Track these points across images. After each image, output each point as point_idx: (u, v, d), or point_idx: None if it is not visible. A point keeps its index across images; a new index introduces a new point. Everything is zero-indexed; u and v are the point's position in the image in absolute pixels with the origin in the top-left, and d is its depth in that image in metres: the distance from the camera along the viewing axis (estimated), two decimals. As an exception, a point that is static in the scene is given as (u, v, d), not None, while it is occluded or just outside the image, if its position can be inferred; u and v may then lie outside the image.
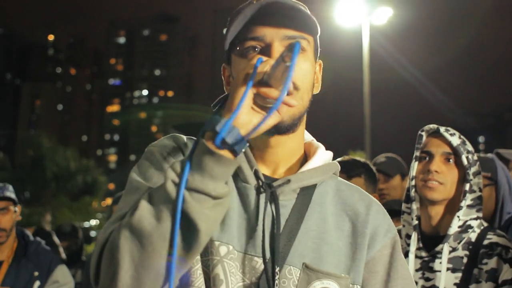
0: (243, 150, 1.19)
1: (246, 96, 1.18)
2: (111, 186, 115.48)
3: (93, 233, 53.99)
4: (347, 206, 1.47)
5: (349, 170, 2.93)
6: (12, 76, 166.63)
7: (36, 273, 3.55)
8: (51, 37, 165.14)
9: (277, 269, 1.30)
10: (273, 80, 1.20)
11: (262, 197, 1.36)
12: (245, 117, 1.18)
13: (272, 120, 1.21)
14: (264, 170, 1.42)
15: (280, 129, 1.35)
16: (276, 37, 1.36)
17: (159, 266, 1.14)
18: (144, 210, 1.16)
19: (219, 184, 1.17)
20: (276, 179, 1.40)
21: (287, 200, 1.39)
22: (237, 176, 1.39)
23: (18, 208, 3.64)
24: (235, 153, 1.18)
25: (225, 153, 1.16)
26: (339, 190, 1.49)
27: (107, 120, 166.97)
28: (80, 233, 6.22)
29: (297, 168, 1.44)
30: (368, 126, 19.06)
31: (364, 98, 19.28)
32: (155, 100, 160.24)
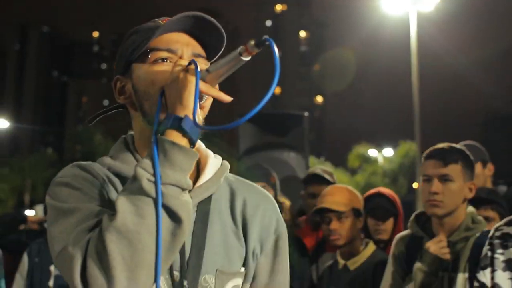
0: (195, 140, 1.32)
1: (198, 91, 1.30)
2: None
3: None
4: (241, 206, 1.56)
5: (445, 157, 2.80)
6: (59, 74, 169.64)
7: None
8: (95, 34, 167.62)
9: (186, 282, 1.40)
10: (214, 80, 1.35)
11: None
12: (198, 113, 1.31)
13: (201, 113, 1.39)
14: None
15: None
16: (186, 52, 1.47)
17: (151, 261, 1.20)
18: (125, 211, 1.20)
19: (187, 177, 1.28)
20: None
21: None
22: None
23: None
24: (193, 145, 1.31)
25: (187, 144, 1.30)
26: (232, 191, 1.58)
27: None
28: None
29: (193, 178, 1.50)
30: (417, 116, 18.77)
31: (412, 87, 19.01)
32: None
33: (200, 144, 1.59)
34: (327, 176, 4.35)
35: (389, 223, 3.81)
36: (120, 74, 1.55)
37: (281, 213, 3.56)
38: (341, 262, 3.45)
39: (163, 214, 1.22)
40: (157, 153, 1.27)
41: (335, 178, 4.44)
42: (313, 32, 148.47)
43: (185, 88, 1.32)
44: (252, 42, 1.30)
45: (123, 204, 1.22)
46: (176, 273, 1.42)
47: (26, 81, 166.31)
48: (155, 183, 1.23)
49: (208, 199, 1.51)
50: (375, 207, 3.81)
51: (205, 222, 1.49)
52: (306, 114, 5.42)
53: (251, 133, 5.34)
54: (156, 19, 1.56)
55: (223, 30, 1.49)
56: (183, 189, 1.27)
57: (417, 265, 2.70)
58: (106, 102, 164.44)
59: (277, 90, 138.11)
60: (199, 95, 1.34)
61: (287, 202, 3.77)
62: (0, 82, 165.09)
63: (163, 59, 1.46)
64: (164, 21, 1.50)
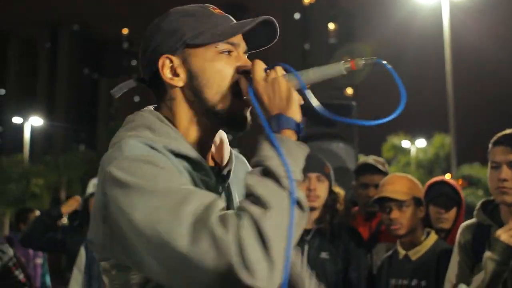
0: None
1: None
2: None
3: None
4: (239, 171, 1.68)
5: None
6: (90, 72, 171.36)
7: None
8: (125, 31, 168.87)
9: None
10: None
11: (220, 187, 1.56)
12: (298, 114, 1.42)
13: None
14: (212, 162, 1.61)
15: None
16: (242, 49, 1.56)
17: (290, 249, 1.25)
18: (275, 198, 1.26)
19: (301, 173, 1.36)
20: (216, 167, 1.60)
21: (232, 184, 1.63)
22: (199, 171, 1.49)
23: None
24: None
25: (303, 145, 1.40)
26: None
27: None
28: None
29: (221, 148, 1.66)
30: (451, 107, 18.56)
31: (446, 77, 18.79)
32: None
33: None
34: (379, 166, 4.29)
35: (452, 212, 3.74)
36: (169, 52, 1.53)
37: (336, 203, 3.51)
38: (402, 252, 3.39)
39: (295, 207, 1.28)
40: (279, 148, 1.33)
41: (387, 168, 4.37)
42: (342, 24, 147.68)
43: (289, 92, 1.41)
44: (362, 61, 1.40)
45: (271, 198, 1.26)
46: None
47: (58, 79, 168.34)
48: (289, 180, 1.29)
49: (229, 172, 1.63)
50: (439, 195, 3.74)
51: (240, 189, 1.59)
52: (354, 103, 5.37)
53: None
54: (202, 5, 1.59)
55: (277, 34, 1.59)
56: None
57: (487, 254, 2.63)
58: (137, 99, 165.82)
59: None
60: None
61: (341, 192, 3.72)
62: (32, 81, 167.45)
63: (228, 52, 1.52)
64: (216, 10, 1.56)
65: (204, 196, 1.30)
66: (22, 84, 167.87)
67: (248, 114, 1.54)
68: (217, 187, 1.54)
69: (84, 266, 3.64)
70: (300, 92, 1.44)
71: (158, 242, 1.25)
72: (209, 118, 1.54)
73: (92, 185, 5.09)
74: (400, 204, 3.31)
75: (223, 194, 1.58)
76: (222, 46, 1.51)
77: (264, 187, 1.28)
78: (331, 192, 3.64)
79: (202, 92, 1.50)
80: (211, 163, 1.62)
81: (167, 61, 1.53)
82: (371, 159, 4.38)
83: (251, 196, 1.28)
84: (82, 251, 3.69)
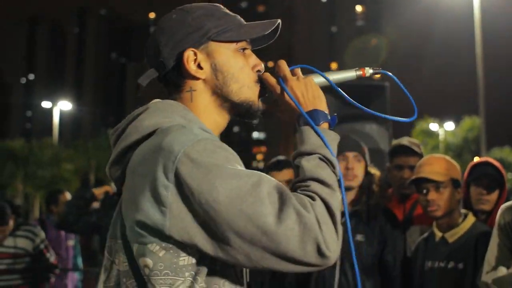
0: None
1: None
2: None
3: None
4: None
5: None
6: (117, 56, 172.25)
7: None
8: (152, 15, 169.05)
9: None
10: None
11: None
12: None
13: None
14: None
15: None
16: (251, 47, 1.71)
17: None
18: (333, 185, 1.48)
19: None
20: None
21: None
22: None
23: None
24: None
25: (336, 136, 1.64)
26: None
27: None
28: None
29: None
30: (482, 90, 18.30)
31: (477, 60, 18.53)
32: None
33: None
34: (414, 147, 4.22)
35: (495, 194, 3.65)
36: (194, 46, 1.62)
37: (371, 184, 3.47)
38: (438, 234, 3.34)
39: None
40: (326, 139, 1.57)
41: (422, 149, 4.30)
42: (370, 6, 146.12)
43: (319, 90, 1.67)
44: (371, 71, 1.75)
45: (333, 181, 1.50)
46: None
47: (86, 64, 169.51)
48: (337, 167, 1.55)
49: None
50: (482, 176, 3.65)
51: None
52: (387, 84, 5.29)
53: (332, 105, 5.25)
54: (215, 4, 1.70)
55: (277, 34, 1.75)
56: None
57: None
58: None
59: (334, 65, 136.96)
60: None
61: (377, 173, 3.67)
62: (61, 66, 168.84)
63: (243, 49, 1.66)
64: (227, 11, 1.68)
65: (269, 179, 1.43)
66: (50, 69, 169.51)
67: (261, 105, 1.70)
68: None
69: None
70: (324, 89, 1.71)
71: (243, 221, 1.35)
72: (228, 108, 1.67)
73: None
74: (437, 185, 3.26)
75: None
76: (241, 44, 1.65)
77: (326, 172, 1.50)
78: (367, 173, 3.60)
79: (227, 85, 1.62)
80: None
81: (192, 54, 1.62)
82: (405, 140, 4.31)
83: (316, 179, 1.48)
84: None
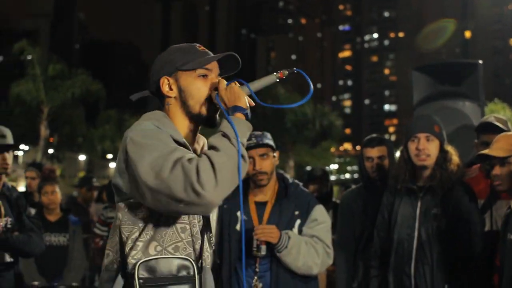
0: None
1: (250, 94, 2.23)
2: (348, 130, 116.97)
3: (333, 177, 55.34)
4: None
5: None
6: (247, 32, 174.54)
7: (297, 212, 3.81)
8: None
9: None
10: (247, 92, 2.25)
11: None
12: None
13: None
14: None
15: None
16: (215, 74, 2.33)
17: (234, 179, 1.98)
18: (227, 149, 1.99)
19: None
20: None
21: None
22: None
23: (276, 154, 3.92)
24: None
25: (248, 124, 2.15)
26: None
27: (340, 66, 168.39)
28: (329, 177, 6.51)
29: (201, 147, 2.43)
30: None
31: None
32: (386, 42, 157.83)
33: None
34: (499, 125, 4.29)
35: None
36: (167, 75, 2.31)
37: (446, 161, 3.64)
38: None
39: (241, 160, 2.01)
40: (233, 124, 2.08)
41: (509, 126, 4.36)
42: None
43: (240, 94, 2.19)
44: (286, 72, 2.26)
45: (226, 145, 2.01)
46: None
47: (217, 40, 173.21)
48: (237, 141, 2.04)
49: None
50: None
51: None
52: (480, 62, 5.32)
53: (425, 84, 5.36)
54: (192, 43, 2.37)
55: (239, 63, 2.38)
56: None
57: None
58: (294, 57, 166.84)
59: (467, 34, 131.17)
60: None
61: (452, 151, 3.84)
62: (193, 43, 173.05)
63: (204, 75, 2.29)
64: (201, 48, 2.34)
65: (185, 151, 2.05)
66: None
67: (217, 116, 2.31)
68: None
69: (217, 217, 4.04)
70: (251, 96, 2.27)
71: (153, 176, 1.94)
72: (191, 117, 2.31)
73: None
74: (501, 160, 3.40)
75: None
76: (200, 71, 2.29)
77: (219, 141, 2.02)
78: (442, 151, 3.79)
79: (187, 101, 2.29)
80: (197, 149, 2.37)
81: (166, 80, 2.32)
82: (492, 118, 4.39)
83: (210, 146, 2.02)
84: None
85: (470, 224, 3.66)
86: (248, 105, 2.22)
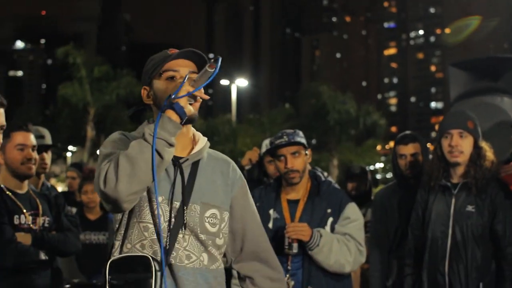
0: (184, 120, 2.23)
1: (183, 87, 2.22)
2: (393, 129, 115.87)
3: (378, 176, 54.86)
4: (217, 167, 2.52)
5: None
6: (291, 30, 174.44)
7: (329, 210, 3.80)
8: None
9: (184, 207, 2.34)
10: (200, 84, 2.24)
11: (176, 169, 2.39)
12: (184, 103, 2.22)
13: (193, 109, 2.30)
14: (176, 152, 2.34)
15: (192, 119, 2.34)
16: (185, 71, 2.34)
17: (141, 176, 2.14)
18: (134, 147, 2.17)
19: (172, 137, 2.19)
20: (181, 157, 2.42)
21: (187, 169, 2.42)
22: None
23: (308, 152, 3.92)
24: (181, 121, 2.22)
25: (176, 119, 2.21)
26: (210, 157, 2.53)
27: (385, 63, 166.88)
28: (369, 175, 6.43)
29: (190, 149, 2.47)
30: None
31: None
32: (432, 39, 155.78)
33: (194, 131, 2.51)
34: (539, 121, 4.22)
35: None
36: (146, 85, 2.46)
37: (481, 157, 3.59)
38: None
39: (155, 154, 2.16)
40: (158, 121, 2.20)
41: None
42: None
43: (176, 86, 2.27)
44: (212, 60, 2.22)
45: (133, 144, 2.18)
46: (176, 203, 2.35)
47: (261, 41, 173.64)
48: (153, 136, 2.17)
49: (197, 161, 2.45)
50: None
51: (195, 174, 2.43)
52: None
53: (463, 80, 5.27)
54: (166, 50, 2.45)
55: (204, 57, 2.37)
56: (169, 144, 2.19)
57: None
58: (338, 55, 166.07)
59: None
60: (192, 96, 2.26)
61: (486, 147, 3.78)
62: (237, 43, 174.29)
63: (171, 77, 2.37)
64: (172, 51, 2.40)
65: (114, 152, 2.27)
66: (228, 47, 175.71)
67: (192, 110, 2.29)
68: (170, 167, 2.38)
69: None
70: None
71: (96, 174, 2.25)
72: None
73: (264, 145, 5.49)
74: None
75: (174, 173, 2.39)
76: (166, 74, 2.39)
77: (135, 142, 2.20)
78: (476, 147, 3.73)
79: (160, 104, 2.35)
80: (179, 152, 2.42)
81: (144, 90, 2.49)
82: (529, 113, 4.32)
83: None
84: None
85: (505, 221, 3.62)
86: (185, 101, 2.25)
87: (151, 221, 2.32)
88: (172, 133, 2.20)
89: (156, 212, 2.31)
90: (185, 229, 2.34)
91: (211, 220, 2.42)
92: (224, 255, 2.56)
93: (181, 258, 2.32)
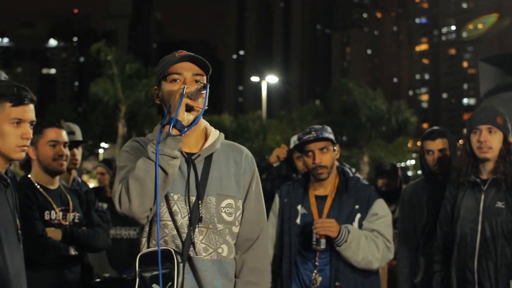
0: (185, 132, 2.33)
1: (181, 105, 2.32)
2: (425, 125, 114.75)
3: (409, 173, 54.38)
4: (231, 157, 2.63)
5: None
6: (322, 27, 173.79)
7: (357, 206, 3.79)
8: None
9: (199, 201, 2.48)
10: (195, 98, 2.37)
11: (189, 166, 2.52)
12: (183, 115, 2.34)
13: (192, 116, 2.38)
14: (186, 149, 2.54)
15: (195, 120, 2.42)
16: (188, 74, 2.50)
17: (151, 194, 2.33)
18: (140, 168, 2.33)
19: (174, 151, 2.33)
20: (193, 154, 2.54)
21: (200, 164, 2.54)
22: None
23: (336, 148, 3.91)
24: (180, 134, 2.33)
25: (176, 133, 2.32)
26: (224, 148, 2.63)
27: (417, 60, 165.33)
28: (399, 171, 6.39)
29: (202, 144, 2.59)
30: None
31: None
32: (464, 34, 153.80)
33: (206, 123, 2.64)
34: None
35: None
36: (156, 85, 2.59)
37: (510, 153, 3.56)
38: None
39: (159, 170, 2.31)
40: (159, 137, 2.34)
41: None
42: None
43: (174, 103, 2.36)
44: (202, 86, 2.36)
45: (139, 164, 2.35)
46: (192, 198, 2.49)
47: (292, 37, 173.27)
48: (156, 153, 2.32)
49: (211, 155, 2.57)
50: None
51: (208, 167, 2.54)
52: None
53: (493, 75, 5.21)
54: (175, 52, 2.55)
55: (205, 61, 2.51)
56: (172, 157, 2.33)
57: None
58: (369, 51, 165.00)
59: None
60: (188, 107, 2.36)
61: None
62: (268, 40, 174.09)
63: (174, 80, 2.50)
64: (180, 53, 2.51)
65: (127, 166, 2.48)
66: (259, 44, 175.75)
67: (190, 117, 2.38)
68: (183, 163, 2.51)
69: (278, 210, 4.07)
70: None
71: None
72: None
73: (293, 141, 5.49)
74: None
75: (187, 169, 2.52)
76: (170, 77, 2.51)
77: (140, 161, 2.36)
78: (505, 143, 3.69)
79: (166, 106, 2.49)
80: (192, 148, 2.57)
81: (155, 90, 2.62)
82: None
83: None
84: (277, 198, 4.10)
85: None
86: (182, 114, 2.35)
87: (170, 219, 2.49)
88: (173, 147, 2.34)
89: (173, 210, 2.48)
90: (201, 222, 2.49)
91: (227, 210, 2.55)
92: None
93: (199, 251, 2.47)
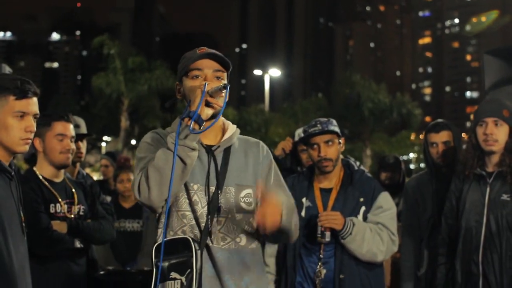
0: (205, 130, 2.42)
1: (202, 100, 2.41)
2: (428, 119, 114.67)
3: (412, 166, 54.38)
4: (248, 149, 2.72)
5: None
6: (325, 20, 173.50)
7: (362, 199, 3.79)
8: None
9: (219, 191, 2.55)
10: (215, 95, 2.45)
11: (210, 157, 2.60)
12: (203, 110, 2.42)
13: (211, 110, 2.45)
14: (206, 141, 2.62)
15: (215, 114, 2.49)
16: (209, 71, 2.57)
17: (168, 183, 2.38)
18: (160, 158, 2.41)
19: (193, 142, 2.42)
20: (213, 145, 2.62)
21: (219, 155, 2.62)
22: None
23: (342, 141, 3.91)
24: (200, 127, 2.40)
25: (195, 126, 2.39)
26: (241, 142, 2.73)
27: (420, 53, 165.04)
28: (402, 165, 6.38)
29: (220, 137, 2.66)
30: None
31: None
32: (468, 27, 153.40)
33: (223, 118, 2.69)
34: None
35: None
36: (178, 81, 2.67)
37: None
38: None
39: (177, 160, 2.39)
40: (178, 129, 2.42)
41: None
42: None
43: (195, 97, 2.44)
44: (222, 86, 2.45)
45: (159, 154, 2.43)
46: (212, 188, 2.55)
47: (295, 31, 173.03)
48: (175, 143, 2.40)
49: (229, 147, 2.65)
50: None
51: (227, 159, 2.62)
52: None
53: (498, 68, 5.20)
54: (196, 48, 2.65)
55: (225, 58, 2.59)
56: (191, 149, 2.41)
57: None
58: (372, 45, 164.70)
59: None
60: (207, 103, 2.44)
61: None
62: (271, 34, 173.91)
63: (196, 76, 2.58)
64: (201, 50, 2.60)
65: (149, 157, 2.52)
66: (261, 38, 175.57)
67: (209, 112, 2.46)
68: (203, 154, 2.59)
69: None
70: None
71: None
72: None
73: (297, 134, 5.48)
74: None
75: (208, 160, 2.60)
76: (192, 73, 2.59)
77: (157, 156, 2.43)
78: (511, 135, 3.68)
79: (187, 99, 2.58)
80: (211, 140, 2.65)
81: (177, 86, 2.71)
82: None
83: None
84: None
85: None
86: (199, 107, 2.42)
87: (189, 209, 2.55)
88: (192, 138, 2.42)
89: (193, 200, 2.54)
90: (219, 212, 2.55)
91: (247, 200, 2.62)
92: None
93: (218, 240, 2.53)
